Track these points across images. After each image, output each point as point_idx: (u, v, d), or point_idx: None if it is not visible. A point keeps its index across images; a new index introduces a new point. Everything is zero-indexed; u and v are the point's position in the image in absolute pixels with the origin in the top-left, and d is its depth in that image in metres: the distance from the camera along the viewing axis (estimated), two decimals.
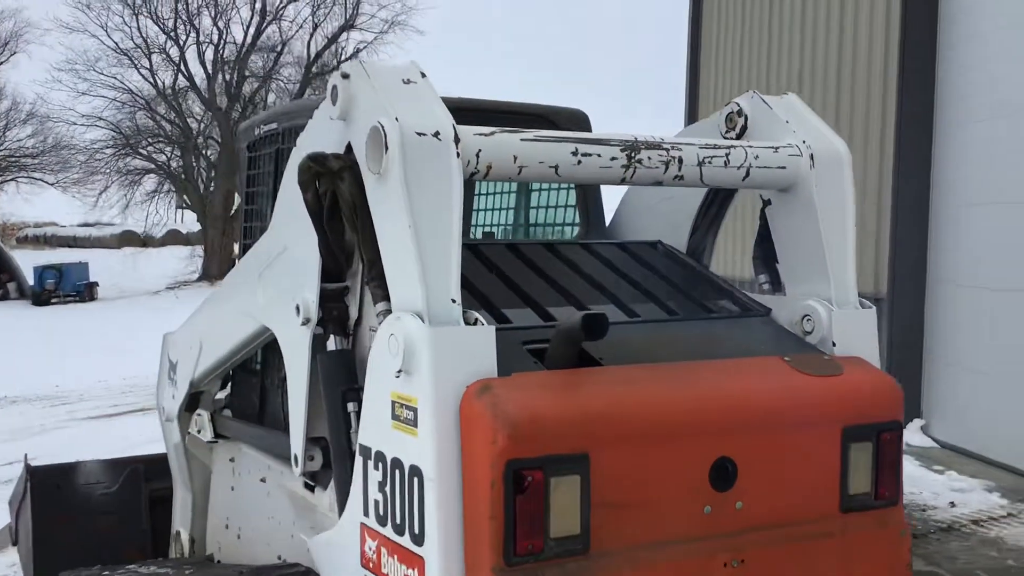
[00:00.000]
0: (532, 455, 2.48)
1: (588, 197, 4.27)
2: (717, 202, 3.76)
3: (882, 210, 9.08)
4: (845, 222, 3.28)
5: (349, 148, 2.96)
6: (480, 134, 2.81)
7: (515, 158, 2.85)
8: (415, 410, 2.60)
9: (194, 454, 5.08)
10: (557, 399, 2.59)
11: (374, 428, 2.82)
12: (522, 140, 2.87)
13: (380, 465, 2.79)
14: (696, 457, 2.72)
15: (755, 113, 3.45)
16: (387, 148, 2.66)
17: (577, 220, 4.31)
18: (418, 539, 2.60)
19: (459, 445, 2.56)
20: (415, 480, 2.61)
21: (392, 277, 2.75)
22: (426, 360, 2.56)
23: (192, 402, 4.94)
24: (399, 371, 2.61)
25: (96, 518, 5.69)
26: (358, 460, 2.92)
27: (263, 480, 4.32)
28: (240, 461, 4.65)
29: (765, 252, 3.56)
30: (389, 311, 2.91)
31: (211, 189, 37.32)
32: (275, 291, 3.58)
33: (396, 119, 2.66)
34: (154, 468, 5.74)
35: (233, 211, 35.38)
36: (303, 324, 3.26)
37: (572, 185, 4.29)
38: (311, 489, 3.81)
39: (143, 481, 5.73)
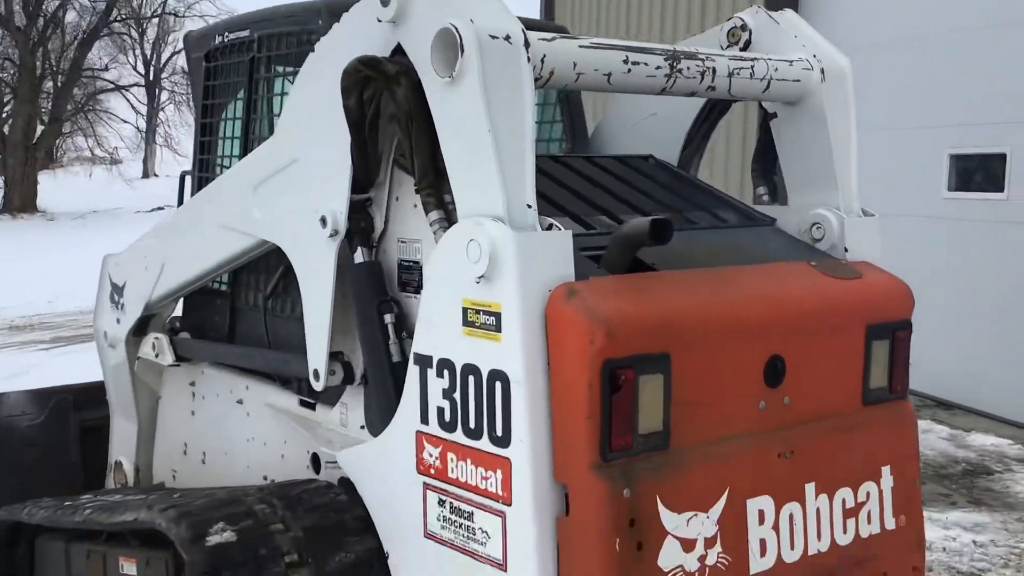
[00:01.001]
0: (624, 355, 2.54)
1: (573, 113, 4.30)
2: (711, 119, 3.87)
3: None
4: (849, 134, 3.45)
5: (396, 51, 2.89)
6: (543, 39, 2.80)
7: (575, 65, 2.86)
8: (497, 315, 2.61)
9: (141, 380, 4.89)
10: (641, 301, 2.65)
11: (437, 336, 2.81)
12: (580, 47, 2.88)
13: (446, 373, 2.79)
14: (753, 356, 2.85)
15: (760, 28, 3.56)
16: (462, 51, 2.61)
17: (563, 136, 4.33)
18: (501, 442, 2.63)
19: (545, 348, 2.59)
20: (497, 385, 2.63)
21: (463, 184, 2.72)
22: (513, 265, 2.57)
23: (141, 326, 4.74)
24: (480, 277, 2.61)
25: (22, 451, 5.41)
26: (413, 369, 2.91)
27: (240, 402, 4.21)
28: (203, 384, 4.52)
29: (764, 164, 3.71)
30: (444, 220, 2.89)
31: (8, 115, 34.49)
32: (283, 204, 3.47)
33: (471, 20, 2.62)
34: (84, 398, 5.48)
35: (37, 139, 33.07)
36: (331, 236, 3.19)
37: (558, 100, 4.31)
38: (310, 407, 3.76)
39: (71, 411, 5.46)
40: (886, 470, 3.16)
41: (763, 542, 2.83)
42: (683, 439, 2.68)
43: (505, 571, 2.66)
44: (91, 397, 5.44)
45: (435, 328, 2.83)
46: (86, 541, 4.15)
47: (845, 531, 3.04)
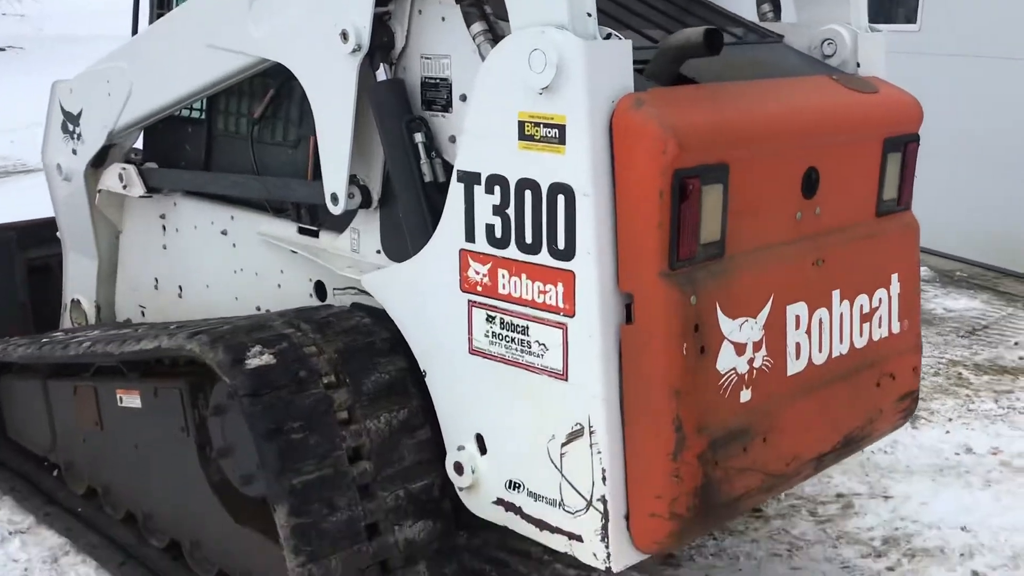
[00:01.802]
0: (692, 165, 2.56)
1: None
2: None
3: None
4: None
5: None
6: None
7: None
8: (561, 127, 2.58)
9: (102, 215, 4.69)
10: (703, 111, 2.66)
11: (487, 152, 2.77)
12: None
13: (497, 189, 2.76)
14: (794, 166, 2.92)
15: None
16: None
17: None
18: (563, 255, 2.64)
19: (610, 159, 2.58)
20: (559, 198, 2.62)
21: None
22: (581, 74, 2.52)
23: (100, 157, 4.52)
24: (544, 88, 2.56)
25: None
26: (456, 188, 2.87)
27: (224, 233, 4.10)
28: (176, 217, 4.37)
29: None
30: (488, 32, 2.81)
31: None
32: (289, 19, 3.30)
33: None
34: (29, 235, 5.23)
35: None
36: (352, 52, 3.06)
37: None
38: (312, 234, 3.69)
39: (17, 250, 5.21)
40: (895, 277, 3.32)
41: (798, 345, 2.96)
42: (735, 248, 2.75)
43: (565, 380, 2.72)
44: (37, 235, 5.21)
45: (484, 143, 2.78)
46: (68, 377, 4.05)
47: (861, 335, 3.20)
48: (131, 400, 3.70)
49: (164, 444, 3.57)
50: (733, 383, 2.75)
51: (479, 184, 2.81)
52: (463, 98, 3.05)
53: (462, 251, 2.91)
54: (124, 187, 4.36)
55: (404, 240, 3.29)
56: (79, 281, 4.94)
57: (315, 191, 3.42)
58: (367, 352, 3.19)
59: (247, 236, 4.02)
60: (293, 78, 3.62)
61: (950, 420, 5.26)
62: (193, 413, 3.42)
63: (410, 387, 3.21)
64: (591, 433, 2.69)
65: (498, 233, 2.80)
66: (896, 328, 3.35)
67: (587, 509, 2.75)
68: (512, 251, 2.77)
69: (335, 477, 2.97)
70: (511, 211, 2.75)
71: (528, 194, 2.70)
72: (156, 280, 4.59)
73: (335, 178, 3.26)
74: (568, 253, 2.64)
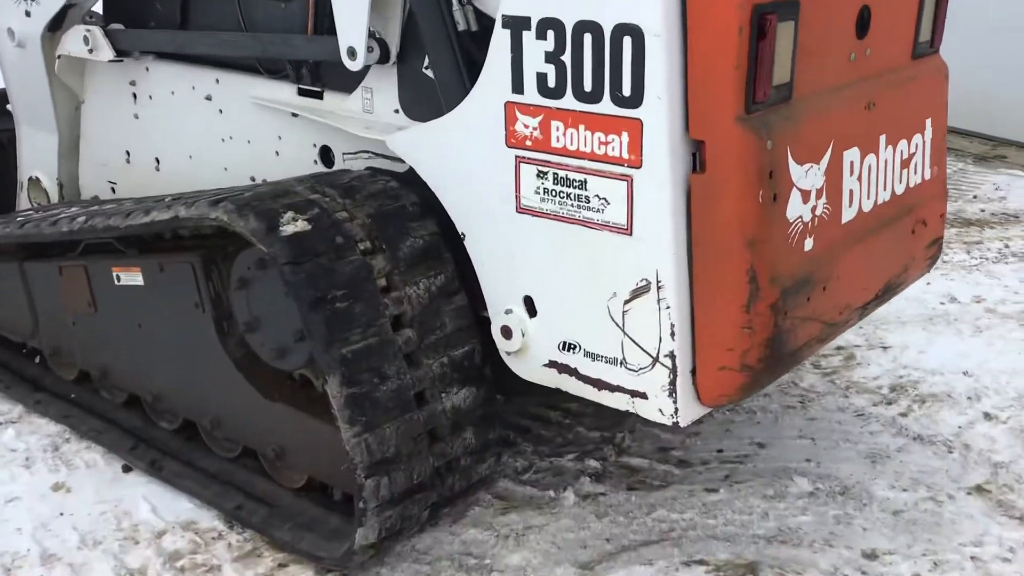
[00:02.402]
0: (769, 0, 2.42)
1: None
2: None
3: None
4: None
5: None
6: None
7: None
8: None
9: (61, 84, 4.34)
10: None
11: None
12: None
13: (551, 34, 2.58)
14: (850, 4, 2.80)
15: None
16: None
17: None
18: (629, 101, 2.50)
19: None
20: (625, 41, 2.46)
21: None
22: None
23: (57, 20, 4.16)
24: None
25: None
26: (500, 35, 2.68)
27: (208, 98, 3.83)
28: (148, 83, 4.07)
29: None
30: None
31: None
32: None
33: None
34: None
35: None
36: None
37: None
38: (315, 95, 3.46)
39: None
40: (928, 122, 3.26)
41: (851, 193, 2.90)
42: (801, 91, 2.64)
43: (630, 235, 2.61)
44: None
45: None
46: (49, 258, 3.81)
47: (900, 181, 3.15)
48: (131, 278, 3.48)
49: (174, 322, 3.38)
50: (799, 232, 2.68)
51: (528, 29, 2.63)
52: None
53: (508, 104, 2.74)
54: (90, 51, 4.02)
55: (426, 97, 3.10)
56: (37, 157, 4.61)
57: (326, 47, 3.19)
58: (399, 216, 3.03)
59: (236, 101, 3.76)
60: None
61: None
62: (208, 287, 3.23)
63: (444, 251, 3.07)
64: (659, 288, 2.60)
65: (551, 82, 2.63)
66: (928, 174, 3.31)
67: (653, 366, 2.68)
68: (568, 101, 2.61)
69: (382, 346, 2.84)
70: (567, 57, 2.58)
71: (588, 38, 2.53)
72: (128, 153, 4.30)
73: (353, 30, 3.03)
74: (635, 100, 2.50)
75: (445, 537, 3.19)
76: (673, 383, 2.66)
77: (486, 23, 2.87)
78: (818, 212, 2.76)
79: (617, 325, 2.72)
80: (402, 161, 3.26)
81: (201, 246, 3.25)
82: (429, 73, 3.09)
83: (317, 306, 2.74)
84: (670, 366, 2.65)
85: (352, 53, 3.06)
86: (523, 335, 2.90)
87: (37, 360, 4.21)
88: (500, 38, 2.69)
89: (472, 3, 2.89)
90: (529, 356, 2.93)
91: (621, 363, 2.74)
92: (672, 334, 2.62)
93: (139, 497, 3.39)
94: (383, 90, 3.24)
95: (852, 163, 2.88)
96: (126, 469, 3.57)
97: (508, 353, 2.97)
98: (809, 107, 2.68)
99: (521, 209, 2.81)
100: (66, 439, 3.76)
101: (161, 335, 3.46)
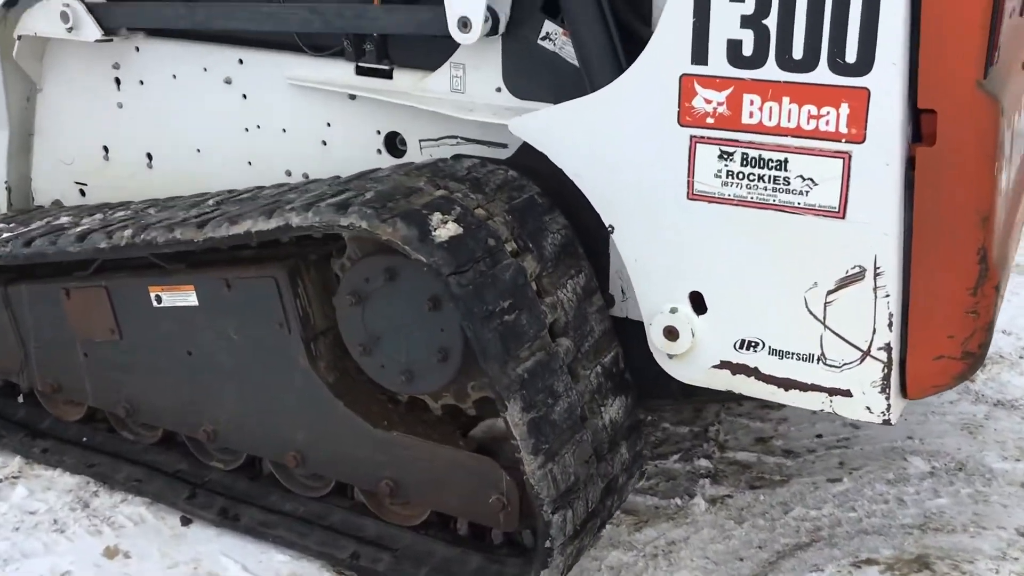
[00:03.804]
0: None
1: None
2: None
3: None
4: None
5: None
6: None
7: None
8: None
9: (15, 69, 3.69)
10: None
11: None
12: None
13: None
14: None
15: None
16: None
17: None
18: (854, 68, 2.22)
19: None
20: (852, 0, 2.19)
21: None
22: None
23: None
24: None
25: None
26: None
27: (228, 81, 3.31)
28: (137, 66, 3.52)
29: None
30: None
31: None
32: None
33: None
34: None
35: None
36: None
37: None
38: (381, 75, 3.03)
39: None
40: None
41: (1010, 158, 2.74)
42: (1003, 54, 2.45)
43: (842, 218, 2.35)
44: None
45: None
46: (45, 279, 3.22)
47: None
48: (178, 298, 2.95)
49: (245, 345, 2.88)
50: (1000, 203, 2.50)
51: None
52: None
53: (685, 77, 2.42)
54: (69, 30, 3.39)
55: (543, 73, 2.75)
56: None
57: (424, 18, 2.76)
58: (535, 211, 2.67)
59: (267, 84, 3.26)
60: None
61: None
62: (295, 304, 2.76)
63: (578, 247, 2.74)
64: (876, 276, 2.36)
65: (747, 50, 2.33)
66: None
67: (862, 360, 2.44)
68: (769, 70, 2.32)
69: (550, 361, 2.49)
70: (772, 21, 2.28)
71: None
72: (106, 149, 3.69)
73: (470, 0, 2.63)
74: (862, 66, 2.23)
75: (589, 564, 2.88)
76: (887, 378, 2.44)
77: None
78: (1003, 183, 2.59)
79: (816, 318, 2.46)
80: (502, 146, 2.90)
81: (285, 256, 2.77)
82: (548, 45, 2.73)
83: (488, 321, 2.35)
84: (884, 359, 2.42)
85: (465, 24, 2.65)
86: (692, 335, 2.60)
87: (20, 399, 3.57)
88: (678, 3, 2.37)
89: None
90: (696, 358, 2.63)
91: (819, 359, 2.50)
92: (889, 324, 2.39)
93: (218, 554, 2.90)
94: (480, 66, 2.85)
95: (1013, 126, 2.72)
96: (185, 522, 3.05)
97: (670, 356, 2.66)
98: (1003, 68, 2.49)
99: (694, 195, 2.50)
100: (94, 492, 3.19)
101: (223, 362, 2.96)
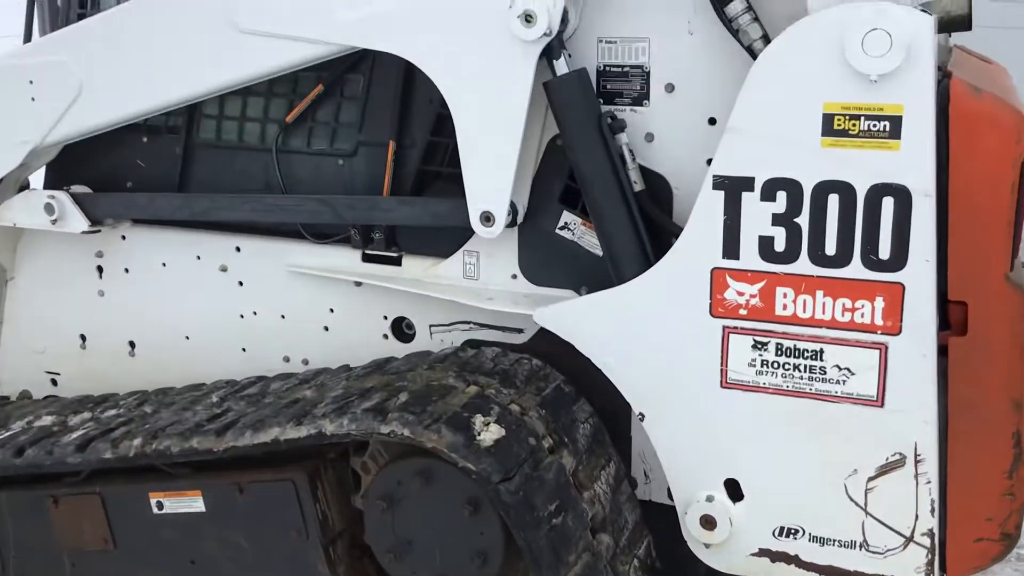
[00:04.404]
0: None
1: None
2: None
3: None
4: None
5: None
6: None
7: None
8: (894, 119, 2.22)
9: None
10: (1008, 91, 2.43)
11: (769, 152, 2.34)
12: None
13: (782, 195, 2.35)
14: None
15: None
16: None
17: None
18: (888, 265, 2.29)
19: (944, 153, 2.28)
20: (884, 201, 2.27)
21: None
22: (928, 56, 2.19)
23: None
24: (882, 74, 2.19)
25: None
26: (711, 196, 2.41)
27: (224, 269, 3.26)
28: (125, 253, 3.45)
29: None
30: (752, 12, 2.39)
31: None
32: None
33: None
34: None
35: None
36: (539, 38, 2.47)
37: None
38: (390, 262, 3.02)
39: None
40: None
41: None
42: None
43: (881, 407, 2.39)
44: None
45: (764, 144, 2.34)
46: (29, 485, 3.05)
47: None
48: (182, 504, 2.81)
49: (258, 552, 2.74)
50: None
51: (751, 191, 2.38)
52: (670, 88, 2.59)
53: (716, 271, 2.46)
54: (54, 221, 3.29)
55: (560, 261, 2.78)
56: None
57: (448, 211, 2.77)
58: (564, 402, 2.66)
59: (266, 270, 3.20)
60: (351, 69, 2.93)
61: None
62: (315, 509, 2.65)
63: (606, 435, 2.71)
64: (917, 462, 2.39)
65: (779, 246, 2.38)
66: None
67: (905, 546, 2.45)
68: (802, 265, 2.38)
69: (595, 562, 2.42)
70: (803, 220, 2.35)
71: (835, 199, 2.31)
72: (83, 338, 3.56)
73: (494, 194, 2.64)
74: (896, 263, 2.30)
75: None
76: (931, 564, 2.44)
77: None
78: None
79: (857, 504, 2.47)
80: (517, 331, 2.90)
81: (301, 456, 2.67)
82: (566, 235, 2.76)
83: (539, 527, 2.29)
84: (928, 545, 2.43)
85: (487, 219, 2.67)
86: (731, 524, 2.58)
87: None
88: (709, 201, 2.42)
89: (636, 159, 2.61)
90: (734, 546, 2.60)
91: (861, 546, 2.49)
92: (932, 510, 2.41)
93: None
94: (495, 254, 2.86)
95: None
96: None
97: (707, 546, 2.63)
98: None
99: (728, 384, 2.52)
100: None
101: (230, 571, 2.80)
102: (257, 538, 2.73)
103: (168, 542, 2.86)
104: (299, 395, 2.75)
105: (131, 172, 3.34)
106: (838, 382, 2.42)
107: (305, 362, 3.21)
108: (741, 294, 2.46)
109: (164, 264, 3.35)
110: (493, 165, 2.63)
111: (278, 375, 3.12)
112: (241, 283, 3.25)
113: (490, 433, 2.35)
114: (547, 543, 2.28)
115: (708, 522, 2.59)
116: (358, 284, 3.06)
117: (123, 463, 2.74)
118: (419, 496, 2.49)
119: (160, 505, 2.84)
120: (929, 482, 2.39)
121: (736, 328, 2.47)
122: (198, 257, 3.29)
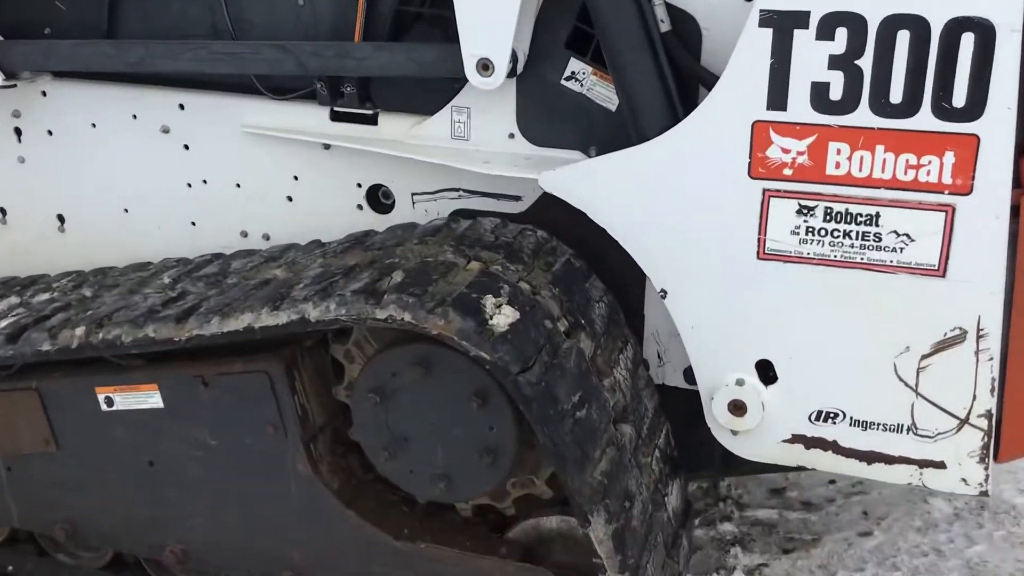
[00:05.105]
0: None
1: None
2: None
3: None
4: None
5: None
6: None
7: None
8: None
9: None
10: None
11: None
12: None
13: (842, 32, 2.00)
14: None
15: None
16: None
17: None
18: (963, 113, 1.98)
19: None
20: (963, 38, 1.94)
21: None
22: None
23: None
24: None
25: None
26: (757, 34, 2.05)
27: (166, 131, 2.82)
28: (48, 112, 2.98)
29: None
30: None
31: None
32: None
33: None
34: None
35: None
36: None
37: None
38: (365, 120, 2.62)
39: None
40: None
41: None
42: None
43: (942, 277, 2.11)
44: None
45: None
46: None
47: None
48: (134, 400, 2.45)
49: (226, 452, 2.41)
50: None
51: (804, 28, 2.03)
52: None
53: (758, 124, 2.12)
54: None
55: (566, 118, 2.41)
56: None
57: (435, 59, 2.36)
58: (576, 279, 2.34)
59: (215, 132, 2.78)
60: None
61: None
62: (293, 402, 2.31)
63: (621, 314, 2.41)
64: (979, 338, 2.13)
65: (836, 93, 2.05)
66: None
67: (959, 429, 2.22)
68: (861, 116, 2.05)
69: (620, 456, 2.15)
70: (866, 61, 2.01)
71: (904, 36, 1.98)
72: (3, 211, 3.11)
73: (494, 37, 2.26)
74: (972, 111, 1.99)
75: None
76: (987, 447, 2.22)
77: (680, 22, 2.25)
78: None
79: (907, 385, 2.22)
80: (514, 199, 2.55)
81: (276, 345, 2.31)
82: (573, 86, 2.39)
83: (563, 422, 1.99)
84: (984, 427, 2.20)
85: (485, 67, 2.27)
86: (763, 409, 2.32)
87: None
88: (753, 40, 2.07)
89: None
90: (764, 433, 2.35)
91: (908, 429, 2.25)
92: (992, 390, 2.17)
93: None
94: (489, 110, 2.47)
95: None
96: None
97: (734, 433, 2.37)
98: None
99: (765, 255, 2.21)
100: None
101: (195, 472, 2.47)
102: (226, 436, 2.40)
103: (121, 442, 2.51)
104: (268, 275, 2.38)
105: (49, 16, 2.84)
106: (895, 250, 2.13)
107: (266, 237, 2.83)
108: (787, 151, 2.13)
109: (94, 125, 2.90)
110: (492, 2, 2.22)
111: (237, 252, 2.74)
112: (187, 147, 2.82)
113: (503, 316, 2.01)
114: (572, 439, 1.98)
115: (737, 408, 2.33)
116: (326, 147, 2.67)
117: (64, 355, 2.35)
118: (418, 388, 2.16)
119: (110, 401, 2.48)
120: (991, 359, 2.15)
121: (778, 191, 2.16)
122: (134, 116, 2.84)
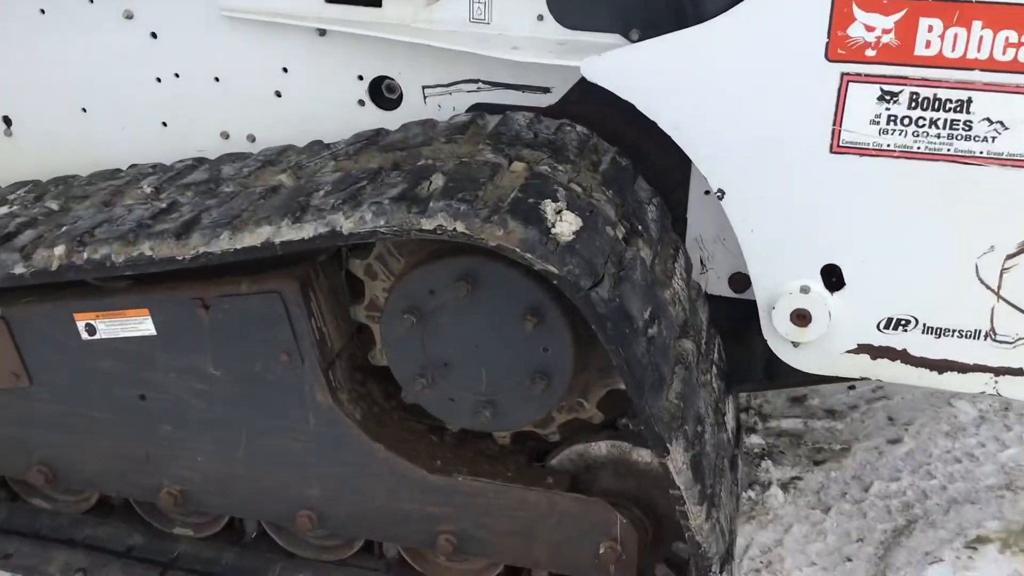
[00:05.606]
0: None
1: None
2: None
3: None
4: None
5: None
6: None
7: None
8: None
9: None
10: None
11: None
12: None
13: None
14: None
15: None
16: None
17: None
18: None
19: None
20: None
21: None
22: None
23: None
24: None
25: None
26: None
27: (129, 16, 2.47)
28: None
29: None
30: None
31: None
32: None
33: None
34: None
35: None
36: None
37: None
38: (369, 1, 2.31)
39: None
40: None
41: None
42: None
43: None
44: None
45: None
46: None
47: None
48: (121, 326, 2.15)
49: (227, 382, 2.14)
50: None
51: None
52: None
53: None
54: None
55: None
56: None
57: None
58: (626, 179, 2.08)
59: (188, 17, 2.43)
60: None
61: None
62: (309, 326, 2.04)
63: (669, 219, 2.18)
64: None
65: None
66: None
67: None
68: None
69: (689, 376, 1.93)
70: None
71: None
72: None
73: None
74: None
75: None
76: None
77: None
78: None
79: (988, 287, 2.04)
80: (543, 91, 2.27)
81: (289, 262, 2.02)
82: None
83: (637, 340, 1.76)
84: None
85: None
86: (829, 318, 2.12)
87: None
88: None
89: None
90: (828, 343, 2.16)
91: (987, 335, 2.09)
92: None
93: None
94: None
95: None
96: None
97: (797, 344, 2.18)
98: None
99: (840, 147, 1.99)
100: None
101: (195, 406, 2.19)
102: (230, 365, 2.12)
103: (106, 375, 2.21)
104: (272, 181, 2.07)
105: None
106: (986, 139, 1.92)
107: (251, 139, 2.51)
108: (871, 29, 1.89)
109: (43, 11, 2.51)
110: None
111: (225, 156, 2.41)
112: (155, 35, 2.46)
113: (566, 224, 1.75)
114: (649, 360, 1.76)
115: (801, 317, 2.13)
116: (322, 33, 2.34)
117: (40, 279, 2.02)
118: (462, 307, 1.90)
119: (91, 329, 2.17)
120: None
121: (859, 75, 1.92)
122: (90, 0, 2.46)
